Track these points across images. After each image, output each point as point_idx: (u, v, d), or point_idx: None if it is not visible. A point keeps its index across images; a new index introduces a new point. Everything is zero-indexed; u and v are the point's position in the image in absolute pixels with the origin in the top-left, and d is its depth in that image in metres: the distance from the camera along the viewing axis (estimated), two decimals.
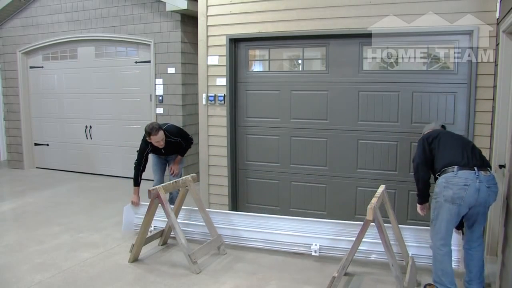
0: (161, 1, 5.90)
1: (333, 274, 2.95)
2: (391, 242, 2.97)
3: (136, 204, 4.22)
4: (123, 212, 4.23)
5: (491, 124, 3.79)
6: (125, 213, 4.22)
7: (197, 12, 4.93)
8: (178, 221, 3.78)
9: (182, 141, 4.50)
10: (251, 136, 4.90)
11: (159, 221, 4.03)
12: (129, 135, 6.70)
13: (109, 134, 6.94)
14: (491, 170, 2.89)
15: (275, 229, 3.76)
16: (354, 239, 2.95)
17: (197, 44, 4.96)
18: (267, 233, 3.78)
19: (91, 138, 7.09)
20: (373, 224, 2.81)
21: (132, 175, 4.29)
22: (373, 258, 3.44)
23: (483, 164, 2.84)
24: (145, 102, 6.50)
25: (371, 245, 3.38)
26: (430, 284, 2.99)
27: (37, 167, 7.67)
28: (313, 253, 3.58)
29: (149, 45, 6.23)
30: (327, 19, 4.28)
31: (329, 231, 3.57)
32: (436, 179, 2.97)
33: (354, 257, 3.03)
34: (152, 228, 4.04)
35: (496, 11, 3.66)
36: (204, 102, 4.94)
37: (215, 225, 3.87)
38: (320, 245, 3.58)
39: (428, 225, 4.27)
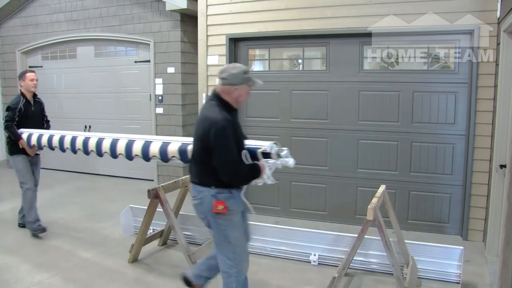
0: (161, 0, 5.89)
1: (333, 275, 2.94)
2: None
3: (31, 151, 4.18)
4: (120, 217, 4.21)
5: (492, 123, 3.79)
6: (123, 218, 4.20)
7: (197, 12, 4.92)
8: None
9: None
10: (251, 136, 4.85)
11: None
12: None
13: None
14: (195, 183, 2.50)
15: (274, 238, 3.73)
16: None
17: (197, 43, 4.95)
18: (266, 241, 3.75)
19: None
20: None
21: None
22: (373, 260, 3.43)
23: (190, 174, 2.57)
24: (144, 101, 6.48)
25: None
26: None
27: None
28: (312, 263, 3.58)
29: (149, 44, 6.21)
30: (328, 18, 4.28)
31: (328, 241, 3.54)
32: None
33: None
34: (151, 231, 4.01)
35: (496, 10, 3.65)
36: (204, 102, 4.92)
37: None
38: (319, 255, 3.57)
39: (428, 226, 4.28)
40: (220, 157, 2.32)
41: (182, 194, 3.88)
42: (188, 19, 6.02)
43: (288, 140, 4.71)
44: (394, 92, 4.26)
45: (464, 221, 4.04)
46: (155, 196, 3.47)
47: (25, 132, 4.13)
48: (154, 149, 3.24)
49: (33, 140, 4.06)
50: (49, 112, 4.42)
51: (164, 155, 3.20)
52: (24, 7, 7.19)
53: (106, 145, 3.50)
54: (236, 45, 4.83)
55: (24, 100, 4.22)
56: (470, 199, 3.97)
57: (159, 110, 6.28)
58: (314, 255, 3.56)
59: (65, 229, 4.43)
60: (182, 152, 3.08)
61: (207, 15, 4.80)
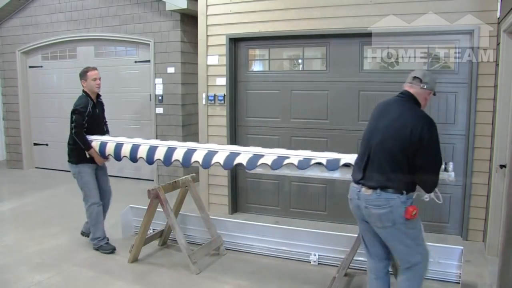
0: (161, 0, 5.89)
1: (333, 275, 2.94)
2: None
3: (102, 160, 3.79)
4: (120, 217, 4.21)
5: (492, 123, 3.79)
6: (123, 218, 4.20)
7: (197, 12, 4.92)
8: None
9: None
10: (251, 136, 4.89)
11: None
12: (129, 135, 6.65)
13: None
14: (383, 189, 2.29)
15: (274, 238, 3.72)
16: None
17: (197, 43, 4.95)
18: (266, 241, 3.74)
19: None
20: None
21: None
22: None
23: (371, 179, 2.35)
24: (144, 102, 6.48)
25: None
26: None
27: (36, 167, 7.64)
28: (312, 263, 3.57)
29: (149, 44, 6.21)
30: (328, 18, 4.28)
31: (328, 241, 3.54)
32: None
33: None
34: (151, 231, 4.01)
35: (496, 10, 3.65)
36: (204, 102, 4.93)
37: None
38: (319, 255, 3.56)
39: (428, 226, 4.26)
40: (431, 156, 2.22)
41: (182, 194, 3.88)
42: (188, 19, 6.02)
43: (288, 140, 4.71)
44: (394, 92, 4.23)
45: (464, 221, 4.04)
46: (155, 196, 3.48)
47: (94, 140, 3.71)
48: (291, 161, 2.99)
49: (109, 150, 3.59)
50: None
51: (303, 165, 2.98)
52: (24, 7, 7.18)
53: (219, 158, 3.26)
54: (236, 45, 4.83)
55: (92, 103, 3.79)
56: (470, 199, 3.97)
57: (159, 110, 6.28)
58: (314, 255, 3.56)
59: (65, 229, 4.43)
60: (330, 162, 2.95)
61: (207, 15, 4.81)
